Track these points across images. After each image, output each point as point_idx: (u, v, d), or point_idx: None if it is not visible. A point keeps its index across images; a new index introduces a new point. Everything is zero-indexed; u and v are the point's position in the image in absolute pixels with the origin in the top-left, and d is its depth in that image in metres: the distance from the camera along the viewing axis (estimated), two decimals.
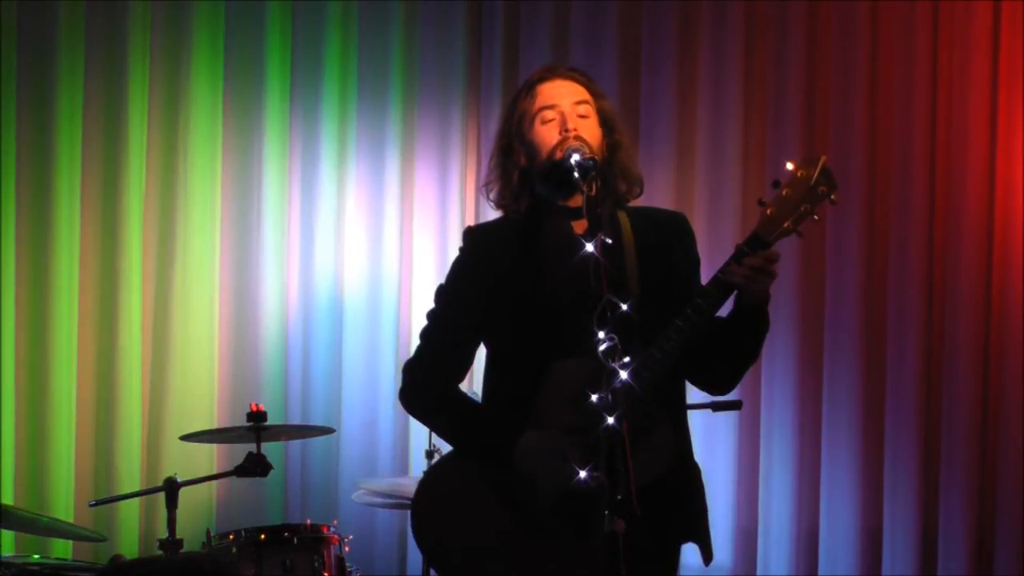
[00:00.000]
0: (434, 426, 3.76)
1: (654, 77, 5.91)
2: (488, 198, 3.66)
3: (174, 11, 5.81)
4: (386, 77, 5.92)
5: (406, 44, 5.94)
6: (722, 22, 5.87)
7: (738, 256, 3.33)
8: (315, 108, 5.89)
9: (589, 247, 3.27)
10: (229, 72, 5.86)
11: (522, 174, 3.57)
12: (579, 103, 3.54)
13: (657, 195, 5.88)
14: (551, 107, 3.53)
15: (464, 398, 3.64)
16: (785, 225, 3.31)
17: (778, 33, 5.85)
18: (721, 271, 3.35)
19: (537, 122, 3.54)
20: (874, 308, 5.77)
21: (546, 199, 3.55)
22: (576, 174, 3.38)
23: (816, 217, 3.31)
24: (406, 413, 4.21)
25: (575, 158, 3.41)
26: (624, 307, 3.21)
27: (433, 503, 3.56)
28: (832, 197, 3.31)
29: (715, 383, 3.62)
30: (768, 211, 3.31)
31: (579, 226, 3.51)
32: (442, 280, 3.66)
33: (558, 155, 3.47)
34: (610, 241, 3.33)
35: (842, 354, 5.76)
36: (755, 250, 3.32)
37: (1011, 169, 5.68)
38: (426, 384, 3.63)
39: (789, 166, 3.33)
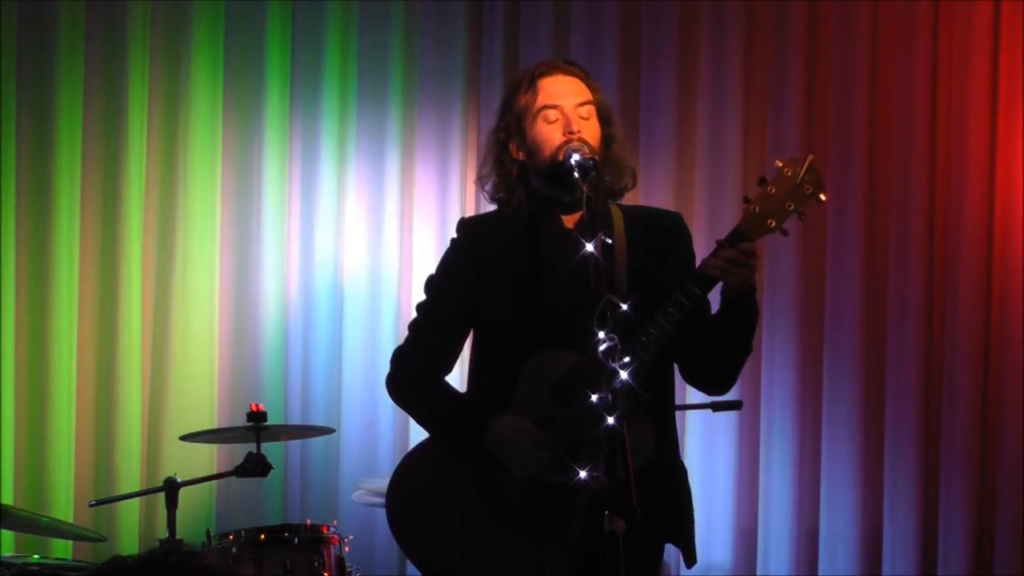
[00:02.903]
0: (418, 416, 3.77)
1: (654, 77, 5.90)
2: (483, 191, 3.66)
3: (174, 11, 5.80)
4: (386, 76, 5.91)
5: (406, 44, 5.93)
6: (722, 21, 5.87)
7: (717, 250, 3.32)
8: (315, 107, 5.89)
9: (589, 247, 3.27)
10: (229, 72, 5.85)
11: (519, 169, 3.57)
12: (581, 104, 3.53)
13: (657, 193, 5.88)
14: (554, 107, 3.52)
15: (449, 390, 3.67)
16: (769, 223, 3.28)
17: (778, 33, 5.85)
18: (700, 265, 3.35)
19: (540, 120, 3.52)
20: (874, 308, 5.77)
21: (542, 195, 3.56)
22: (576, 174, 3.39)
23: (804, 215, 3.29)
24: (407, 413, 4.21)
25: (575, 158, 3.41)
26: (624, 307, 3.21)
27: (407, 491, 3.61)
28: (821, 196, 3.27)
29: (714, 382, 3.62)
30: (753, 208, 3.29)
31: (570, 221, 3.54)
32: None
33: (560, 157, 3.47)
34: (610, 241, 3.33)
35: (842, 354, 5.75)
36: (736, 245, 3.30)
37: (1011, 169, 5.68)
38: (413, 374, 3.66)
39: (777, 163, 3.32)
